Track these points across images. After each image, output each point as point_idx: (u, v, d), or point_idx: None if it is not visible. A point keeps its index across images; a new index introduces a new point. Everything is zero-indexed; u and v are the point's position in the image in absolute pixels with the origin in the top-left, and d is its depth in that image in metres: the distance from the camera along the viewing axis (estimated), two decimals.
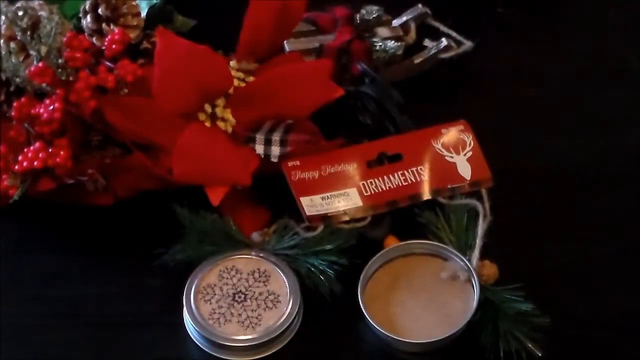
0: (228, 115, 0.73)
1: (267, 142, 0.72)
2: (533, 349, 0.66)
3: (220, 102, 0.73)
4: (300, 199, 0.72)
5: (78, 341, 0.68)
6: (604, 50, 0.88)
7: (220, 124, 0.73)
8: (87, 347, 0.68)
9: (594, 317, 0.69)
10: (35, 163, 0.70)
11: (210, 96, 0.72)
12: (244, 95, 0.72)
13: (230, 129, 0.73)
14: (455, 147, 0.75)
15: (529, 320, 0.67)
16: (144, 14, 0.78)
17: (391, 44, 0.81)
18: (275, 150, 0.72)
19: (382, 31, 0.83)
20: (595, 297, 0.70)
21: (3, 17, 0.75)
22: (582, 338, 0.68)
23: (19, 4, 0.75)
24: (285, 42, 0.80)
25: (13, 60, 0.74)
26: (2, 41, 0.74)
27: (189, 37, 0.72)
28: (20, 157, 0.70)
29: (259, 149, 0.72)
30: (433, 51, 0.83)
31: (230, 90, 0.73)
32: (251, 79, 0.74)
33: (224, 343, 0.67)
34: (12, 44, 0.74)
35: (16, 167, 0.70)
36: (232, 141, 0.72)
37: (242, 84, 0.74)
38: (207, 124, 0.72)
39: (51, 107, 0.69)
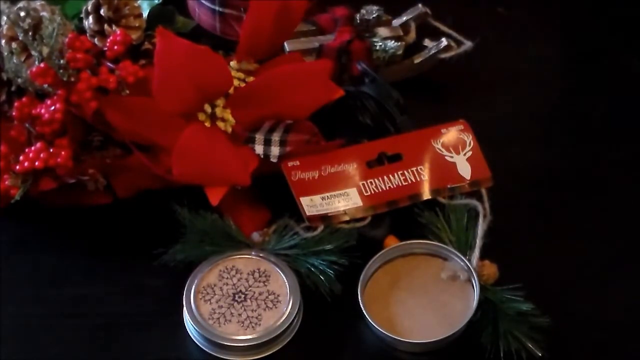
0: (228, 115, 0.73)
1: (267, 142, 0.72)
2: (533, 349, 0.66)
3: (220, 102, 0.73)
4: (300, 199, 0.72)
5: (78, 341, 0.68)
6: (605, 50, 0.88)
7: (220, 124, 0.73)
8: (87, 347, 0.68)
9: (594, 317, 0.69)
10: (37, 163, 0.70)
11: (210, 96, 0.72)
12: (244, 95, 0.73)
13: (230, 129, 0.73)
14: (455, 147, 0.75)
15: (529, 320, 0.67)
16: (145, 14, 0.79)
17: (391, 44, 0.82)
18: (275, 151, 0.72)
19: (382, 31, 0.83)
20: (595, 297, 0.70)
21: (5, 18, 0.75)
22: (582, 338, 0.68)
23: (20, 5, 0.75)
24: (285, 42, 0.81)
25: (15, 61, 0.74)
26: (3, 42, 0.74)
27: (190, 37, 0.73)
28: (21, 157, 0.71)
29: (259, 149, 0.72)
30: (433, 51, 0.83)
31: (230, 91, 0.73)
32: (251, 79, 0.74)
33: (224, 343, 0.67)
34: (14, 45, 0.74)
35: (17, 167, 0.71)
36: (232, 141, 0.72)
37: (242, 84, 0.74)
38: (207, 124, 0.72)
39: (52, 108, 0.70)
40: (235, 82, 0.73)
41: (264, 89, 0.72)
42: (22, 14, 0.74)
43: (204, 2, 0.82)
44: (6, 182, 0.71)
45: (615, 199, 0.76)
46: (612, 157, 0.79)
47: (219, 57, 0.71)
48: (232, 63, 0.75)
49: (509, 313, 0.67)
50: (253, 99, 0.72)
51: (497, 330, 0.67)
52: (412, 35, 0.85)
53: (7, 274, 0.71)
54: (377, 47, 0.81)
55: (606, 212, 0.75)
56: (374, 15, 0.82)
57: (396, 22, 0.85)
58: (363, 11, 0.82)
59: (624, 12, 0.90)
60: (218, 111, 0.73)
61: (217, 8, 0.81)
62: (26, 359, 0.67)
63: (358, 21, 0.82)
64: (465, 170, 0.74)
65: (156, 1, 0.81)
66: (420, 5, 0.86)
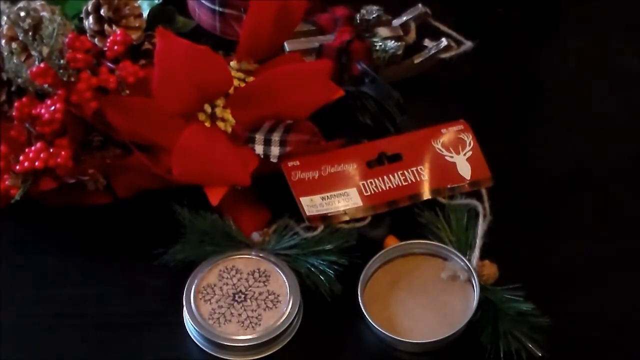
0: (228, 115, 0.73)
1: (267, 143, 0.72)
2: (533, 349, 0.66)
3: (220, 102, 0.73)
4: (300, 199, 0.72)
5: (78, 341, 0.68)
6: (605, 50, 0.88)
7: (220, 124, 0.73)
8: (87, 347, 0.68)
9: (594, 317, 0.69)
10: (37, 163, 0.70)
11: (210, 96, 0.72)
12: (244, 95, 0.73)
13: (230, 129, 0.73)
14: (455, 147, 0.75)
15: (529, 320, 0.67)
16: (145, 14, 0.79)
17: (391, 44, 0.82)
18: (275, 151, 0.72)
19: (382, 31, 0.83)
20: (596, 297, 0.70)
21: (5, 18, 0.75)
22: (582, 338, 0.68)
23: (20, 5, 0.75)
24: (285, 42, 0.81)
25: (15, 61, 0.74)
26: (3, 42, 0.75)
27: (190, 37, 0.73)
28: (21, 157, 0.71)
29: (259, 149, 0.72)
30: (433, 51, 0.83)
31: (230, 91, 0.73)
32: (251, 79, 0.74)
33: (224, 343, 0.67)
34: (14, 45, 0.74)
35: (17, 167, 0.71)
36: (232, 141, 0.72)
37: (242, 84, 0.74)
38: (207, 124, 0.72)
39: (52, 108, 0.70)
40: (235, 82, 0.73)
41: (264, 89, 0.72)
42: (22, 14, 0.74)
43: (204, 2, 0.82)
44: (6, 182, 0.71)
45: (616, 198, 0.76)
46: (613, 157, 0.79)
47: (219, 57, 0.72)
48: (232, 63, 0.75)
49: (509, 313, 0.67)
50: (253, 99, 0.72)
51: (497, 330, 0.67)
52: (412, 35, 0.85)
53: (7, 274, 0.71)
54: (377, 47, 0.81)
55: (606, 212, 0.75)
56: (374, 15, 0.82)
57: (396, 22, 0.85)
58: (363, 11, 0.82)
59: (623, 11, 0.91)
60: (218, 111, 0.73)
61: (217, 8, 0.81)
62: (26, 359, 0.68)
63: (358, 21, 0.82)
64: (465, 170, 0.74)
65: (156, 1, 0.81)
66: (420, 5, 0.85)
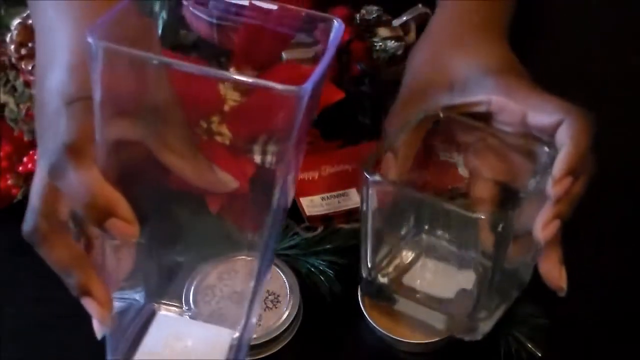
0: (224, 130, 0.72)
1: (264, 153, 0.72)
2: (533, 349, 0.66)
3: (216, 119, 0.72)
4: (300, 199, 0.72)
5: (78, 341, 0.68)
6: (604, 50, 0.87)
7: (218, 138, 0.72)
8: (87, 348, 0.67)
9: (594, 317, 0.69)
10: None
11: (203, 116, 0.71)
12: (240, 112, 0.72)
13: (227, 142, 0.73)
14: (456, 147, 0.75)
15: (529, 321, 0.67)
16: None
17: (391, 44, 0.81)
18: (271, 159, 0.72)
19: (382, 31, 0.83)
20: (595, 297, 0.70)
21: (15, 23, 0.75)
22: (582, 338, 0.68)
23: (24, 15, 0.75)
24: (283, 52, 0.80)
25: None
26: (13, 47, 0.75)
27: (192, 49, 0.72)
28: (25, 159, 0.71)
29: (257, 158, 0.72)
30: None
31: (226, 108, 0.72)
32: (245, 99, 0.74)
33: None
34: (23, 51, 0.75)
35: (20, 167, 0.71)
36: (230, 152, 0.72)
37: (237, 103, 0.73)
38: (204, 137, 0.72)
39: None
40: (231, 102, 0.73)
41: (257, 107, 0.71)
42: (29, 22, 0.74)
43: (200, 15, 0.81)
44: (8, 182, 0.71)
45: (616, 200, 0.76)
46: (614, 158, 0.79)
47: (209, 80, 0.71)
48: (227, 83, 0.74)
49: (509, 313, 0.67)
50: (249, 115, 0.72)
51: (497, 330, 0.67)
52: (412, 35, 0.84)
53: (7, 275, 0.72)
54: (377, 47, 0.81)
55: (607, 213, 0.75)
56: (374, 15, 0.82)
57: (396, 22, 0.84)
58: (363, 11, 0.82)
59: (623, 11, 0.90)
60: (214, 126, 0.72)
61: (214, 20, 0.81)
62: (26, 359, 0.68)
63: (358, 21, 0.82)
64: (465, 170, 0.74)
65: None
66: (420, 5, 0.85)
